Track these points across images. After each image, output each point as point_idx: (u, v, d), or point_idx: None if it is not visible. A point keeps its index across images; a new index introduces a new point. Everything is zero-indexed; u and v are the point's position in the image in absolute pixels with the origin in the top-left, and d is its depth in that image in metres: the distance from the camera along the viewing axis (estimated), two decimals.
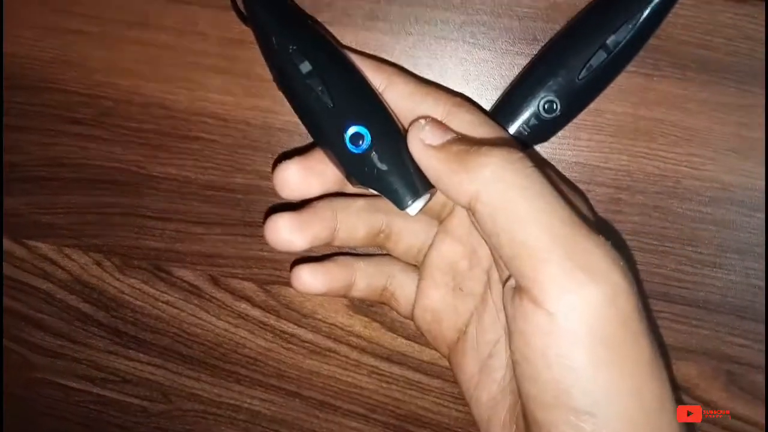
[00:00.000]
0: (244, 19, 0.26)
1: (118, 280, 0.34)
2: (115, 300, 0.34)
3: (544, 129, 0.26)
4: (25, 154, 0.32)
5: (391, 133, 0.23)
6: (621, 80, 0.27)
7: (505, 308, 0.21)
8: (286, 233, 0.24)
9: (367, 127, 0.22)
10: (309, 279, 0.25)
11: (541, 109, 0.25)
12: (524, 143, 0.26)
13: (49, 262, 0.34)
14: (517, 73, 0.28)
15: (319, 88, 0.22)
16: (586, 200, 0.29)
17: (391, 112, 0.23)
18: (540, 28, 0.28)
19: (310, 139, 0.30)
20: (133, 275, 0.34)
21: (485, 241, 0.21)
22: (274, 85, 0.29)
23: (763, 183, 0.28)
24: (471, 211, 0.20)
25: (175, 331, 0.34)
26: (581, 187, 0.29)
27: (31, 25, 0.30)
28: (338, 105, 0.22)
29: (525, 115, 0.26)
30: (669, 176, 0.29)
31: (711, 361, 0.31)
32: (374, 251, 0.29)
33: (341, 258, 0.26)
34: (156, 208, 0.32)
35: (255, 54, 0.29)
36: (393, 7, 0.28)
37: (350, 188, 0.25)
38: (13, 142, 0.32)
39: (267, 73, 0.29)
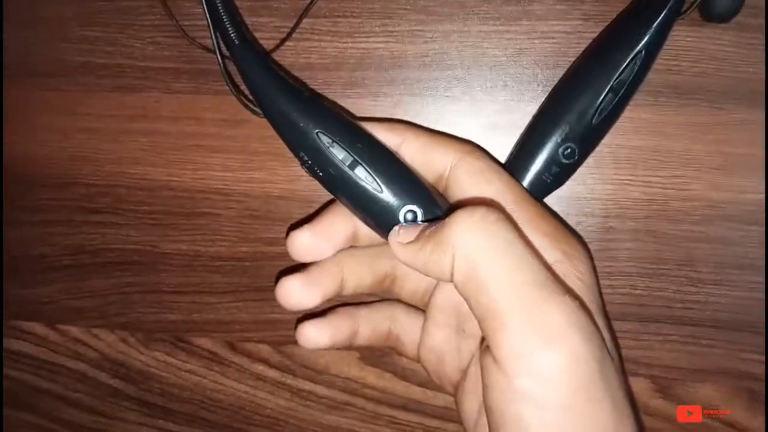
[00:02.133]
0: (257, 112, 0.26)
1: (143, 354, 0.35)
2: (142, 373, 0.36)
3: (564, 174, 0.27)
4: (52, 245, 0.35)
5: (434, 203, 0.24)
6: None
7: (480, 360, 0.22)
8: (297, 294, 0.25)
9: (416, 203, 0.23)
10: (314, 334, 0.26)
11: (561, 156, 0.26)
12: (546, 190, 0.27)
13: (80, 343, 0.36)
14: (505, 120, 0.30)
15: (366, 176, 0.23)
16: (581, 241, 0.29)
17: (425, 181, 0.25)
18: (510, 74, 0.29)
19: (308, 204, 0.32)
20: (156, 348, 0.35)
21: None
22: (268, 156, 0.32)
23: (753, 196, 0.28)
24: (454, 285, 0.20)
25: (199, 398, 0.35)
26: (572, 219, 0.30)
27: (52, 128, 0.34)
28: (387, 189, 0.23)
29: (547, 163, 0.27)
30: (656, 200, 0.29)
31: (729, 380, 0.30)
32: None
33: (343, 309, 0.27)
34: (172, 283, 0.34)
35: (248, 131, 0.32)
36: (368, 72, 0.30)
37: (360, 244, 0.26)
38: (42, 236, 0.35)
39: (261, 147, 0.32)
